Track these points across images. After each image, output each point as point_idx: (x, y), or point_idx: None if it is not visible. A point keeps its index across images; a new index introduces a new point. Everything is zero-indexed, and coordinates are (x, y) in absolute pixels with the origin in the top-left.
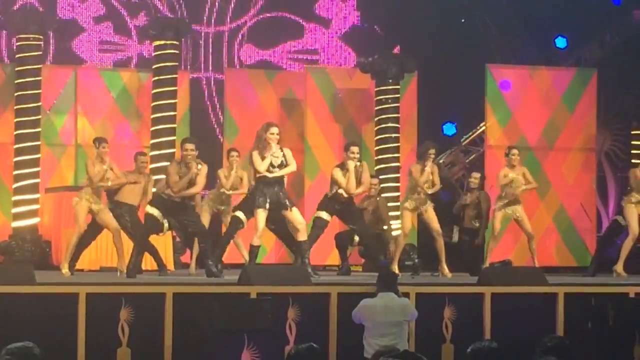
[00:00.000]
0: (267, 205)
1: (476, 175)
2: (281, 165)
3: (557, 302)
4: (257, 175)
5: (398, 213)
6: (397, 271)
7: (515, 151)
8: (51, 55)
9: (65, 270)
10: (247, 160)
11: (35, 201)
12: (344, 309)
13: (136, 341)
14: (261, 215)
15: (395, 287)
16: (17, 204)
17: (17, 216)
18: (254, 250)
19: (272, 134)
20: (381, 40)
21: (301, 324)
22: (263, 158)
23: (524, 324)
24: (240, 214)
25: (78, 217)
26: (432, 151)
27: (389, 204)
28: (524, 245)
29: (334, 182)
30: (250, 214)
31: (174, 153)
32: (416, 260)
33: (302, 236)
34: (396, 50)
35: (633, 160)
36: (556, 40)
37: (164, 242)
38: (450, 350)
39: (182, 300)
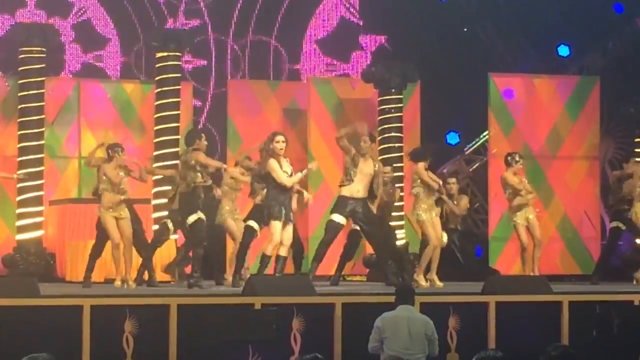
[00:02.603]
0: (283, 217)
1: (452, 180)
2: (291, 174)
3: (562, 310)
4: (273, 184)
5: (403, 222)
6: (424, 282)
7: (521, 160)
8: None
9: (118, 282)
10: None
11: (39, 214)
12: (348, 320)
13: (141, 353)
14: (278, 226)
15: (413, 301)
16: (21, 216)
17: (21, 229)
18: (265, 260)
19: (278, 142)
20: (385, 50)
21: (306, 334)
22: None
23: (529, 332)
24: (253, 224)
25: (110, 232)
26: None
27: (393, 214)
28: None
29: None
30: (263, 222)
31: (177, 165)
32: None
33: (284, 252)
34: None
35: None
36: (559, 48)
37: (168, 253)
38: (455, 359)
39: (187, 312)
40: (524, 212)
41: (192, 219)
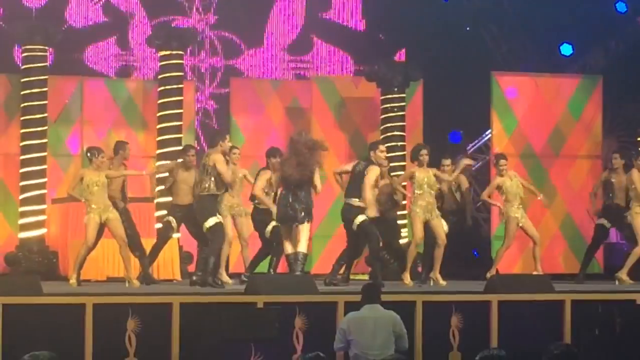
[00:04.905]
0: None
1: (446, 162)
2: None
3: (564, 309)
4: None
5: (406, 221)
6: (409, 281)
7: (503, 161)
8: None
9: (72, 280)
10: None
11: (42, 212)
12: None
13: (143, 351)
14: (308, 226)
15: (380, 299)
16: (24, 214)
17: (24, 227)
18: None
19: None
20: (386, 48)
21: (308, 333)
22: None
23: (531, 331)
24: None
25: (88, 232)
26: (424, 152)
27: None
28: (530, 253)
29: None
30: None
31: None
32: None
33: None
34: (401, 56)
35: None
36: (561, 47)
37: (170, 252)
38: (458, 358)
39: (189, 310)
40: (520, 213)
41: (210, 222)
